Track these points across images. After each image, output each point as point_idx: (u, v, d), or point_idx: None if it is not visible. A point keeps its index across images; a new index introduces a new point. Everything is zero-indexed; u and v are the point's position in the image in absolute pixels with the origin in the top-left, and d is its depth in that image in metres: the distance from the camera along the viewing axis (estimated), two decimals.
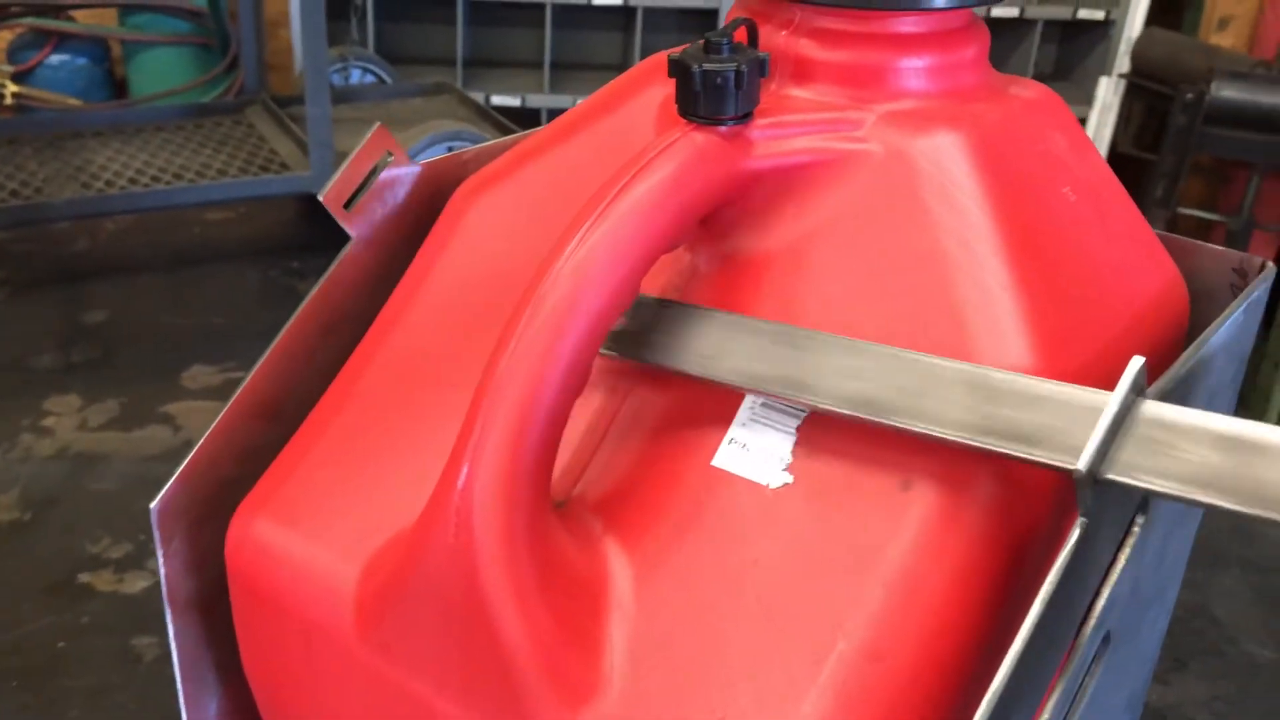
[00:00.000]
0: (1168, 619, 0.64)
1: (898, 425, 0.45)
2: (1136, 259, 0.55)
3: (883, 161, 0.51)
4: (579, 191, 0.57)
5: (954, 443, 0.44)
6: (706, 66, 0.49)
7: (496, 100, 3.00)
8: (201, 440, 0.57)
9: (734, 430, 0.49)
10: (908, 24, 0.53)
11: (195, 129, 1.78)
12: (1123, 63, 3.10)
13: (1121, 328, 0.51)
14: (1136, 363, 0.41)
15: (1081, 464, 0.40)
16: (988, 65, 0.57)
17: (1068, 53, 3.42)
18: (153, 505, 0.56)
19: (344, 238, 0.61)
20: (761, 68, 0.50)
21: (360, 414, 0.57)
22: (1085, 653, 0.46)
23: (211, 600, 0.60)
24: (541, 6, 3.06)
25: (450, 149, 1.70)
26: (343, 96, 1.93)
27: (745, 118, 0.51)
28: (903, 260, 0.50)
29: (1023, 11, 3.11)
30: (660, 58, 0.60)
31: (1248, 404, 2.95)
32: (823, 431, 0.48)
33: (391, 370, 0.58)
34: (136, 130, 1.76)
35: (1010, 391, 0.44)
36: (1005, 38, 3.24)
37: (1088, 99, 3.13)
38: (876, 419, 0.45)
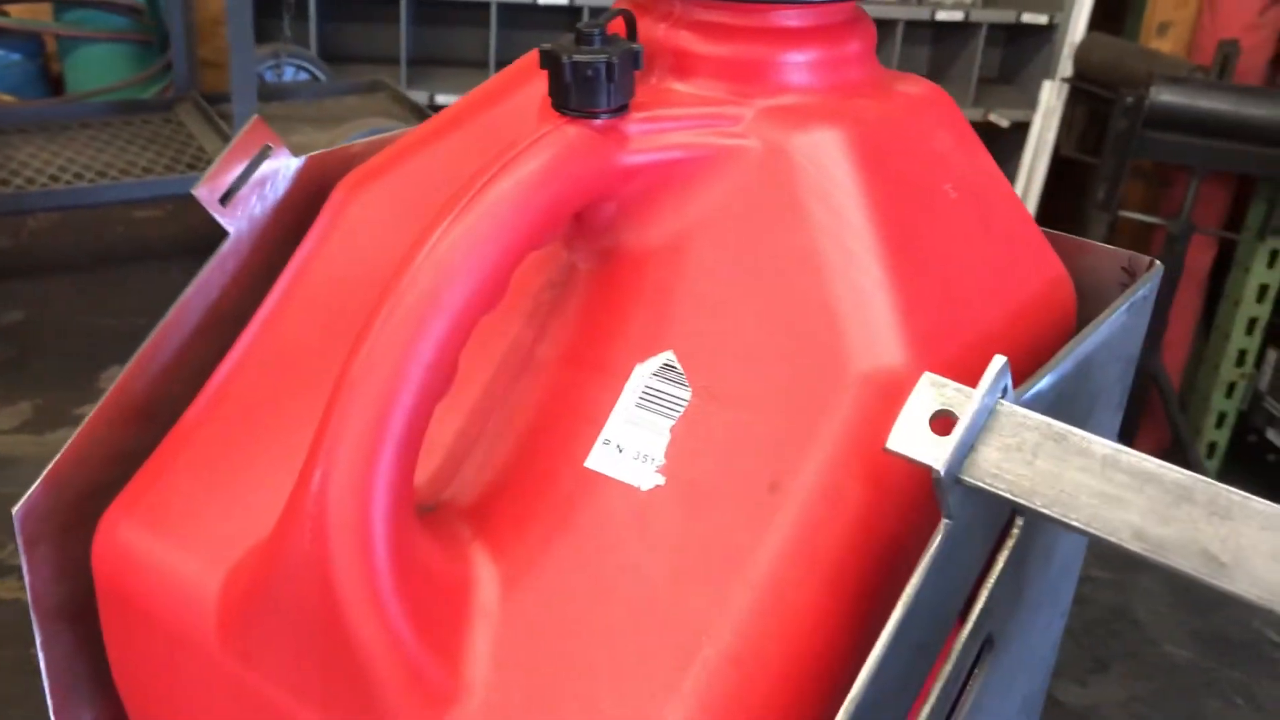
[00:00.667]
0: (1063, 621, 0.64)
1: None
2: (1018, 257, 0.54)
3: (760, 158, 0.50)
4: (460, 183, 0.56)
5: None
6: (577, 58, 0.48)
7: (441, 99, 2.97)
8: (68, 443, 0.56)
9: (609, 429, 0.48)
10: (790, 17, 0.52)
11: (124, 126, 1.74)
12: (1066, 67, 3.12)
13: (998, 325, 0.51)
14: (998, 362, 0.40)
15: (938, 464, 0.39)
16: (874, 61, 0.56)
17: (1012, 56, 3.44)
18: (15, 510, 0.54)
19: None
20: (635, 60, 0.49)
21: (230, 417, 0.55)
22: (963, 657, 0.45)
23: (81, 608, 0.58)
24: (486, 5, 3.05)
25: None
26: (274, 94, 1.91)
27: (620, 110, 0.49)
28: (778, 258, 0.49)
29: (967, 15, 3.12)
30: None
31: (1208, 344, 2.96)
32: (694, 431, 0.47)
33: (263, 371, 0.56)
34: (63, 127, 1.72)
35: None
36: (950, 41, 3.25)
37: (1031, 102, 3.15)
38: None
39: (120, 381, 0.57)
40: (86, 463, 0.57)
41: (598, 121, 0.49)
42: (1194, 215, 2.81)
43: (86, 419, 0.56)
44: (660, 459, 0.47)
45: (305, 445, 0.51)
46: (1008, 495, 0.39)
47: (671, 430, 0.47)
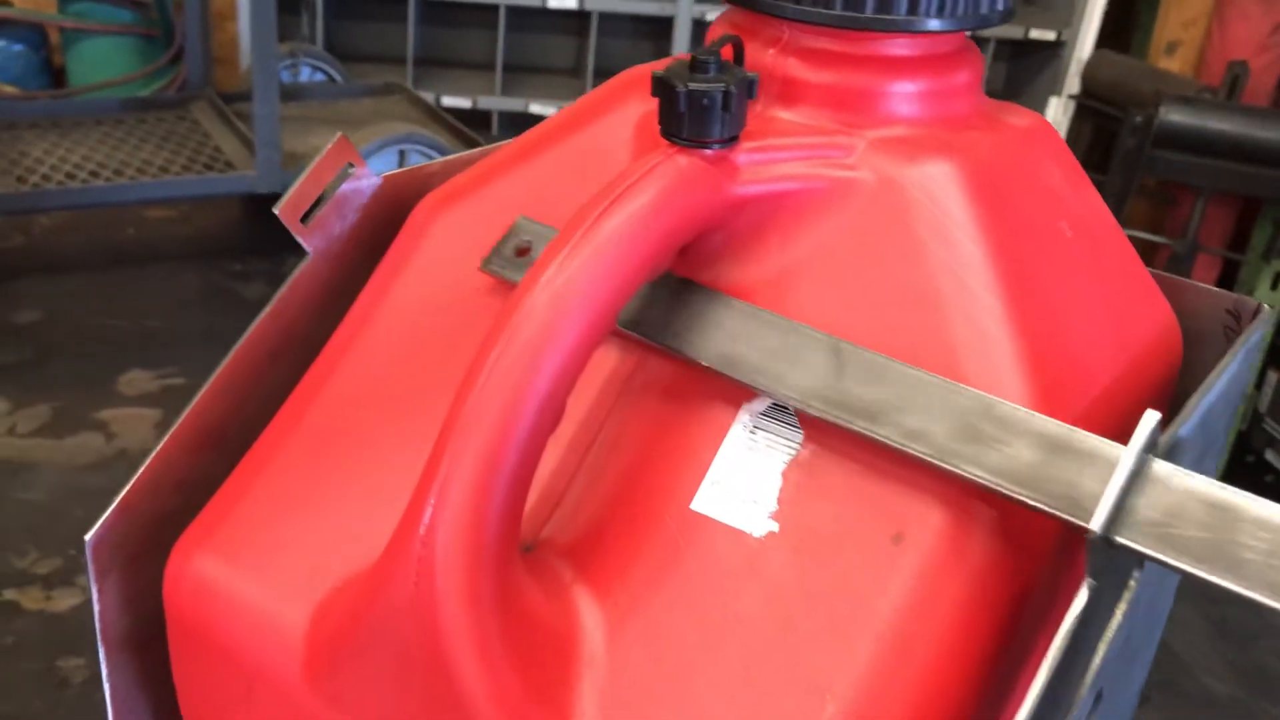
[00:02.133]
0: (1146, 671, 0.63)
1: (884, 439, 0.43)
2: (1132, 298, 0.53)
3: (873, 191, 0.48)
4: (549, 211, 0.55)
5: (947, 472, 0.42)
6: (693, 86, 0.46)
7: (447, 101, 2.95)
8: (140, 470, 0.54)
9: (716, 470, 0.47)
10: (901, 46, 0.51)
11: (137, 123, 1.72)
12: (1072, 83, 3.12)
13: (1119, 372, 0.49)
14: (1151, 419, 0.38)
15: (1096, 525, 0.38)
16: (980, 91, 0.54)
17: (1018, 72, 3.43)
18: (87, 538, 0.52)
19: (289, 240, 0.57)
20: (750, 89, 0.47)
21: (309, 444, 0.54)
22: (1080, 715, 0.44)
23: (148, 638, 0.56)
24: (495, 8, 3.02)
25: (402, 152, 1.66)
26: (291, 94, 1.88)
27: (731, 141, 0.48)
28: (893, 296, 0.47)
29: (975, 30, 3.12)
30: (637, 72, 0.57)
31: None
32: (810, 475, 0.45)
33: (344, 396, 0.54)
34: (75, 123, 1.70)
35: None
36: None
37: None
38: (867, 431, 0.43)
39: (195, 405, 0.55)
40: (159, 489, 0.55)
41: (709, 151, 0.47)
42: (1199, 235, 2.81)
43: (159, 444, 0.54)
44: (773, 504, 0.45)
45: (393, 476, 0.49)
46: (1169, 560, 0.37)
47: (784, 474, 0.46)
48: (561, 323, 0.43)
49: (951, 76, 0.52)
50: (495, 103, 3.06)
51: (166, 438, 0.54)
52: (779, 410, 0.47)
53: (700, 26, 3.18)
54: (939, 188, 0.48)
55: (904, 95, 0.51)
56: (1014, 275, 0.47)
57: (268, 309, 0.57)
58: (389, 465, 0.51)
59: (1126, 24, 3.27)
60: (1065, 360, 0.47)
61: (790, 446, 0.46)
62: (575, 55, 3.31)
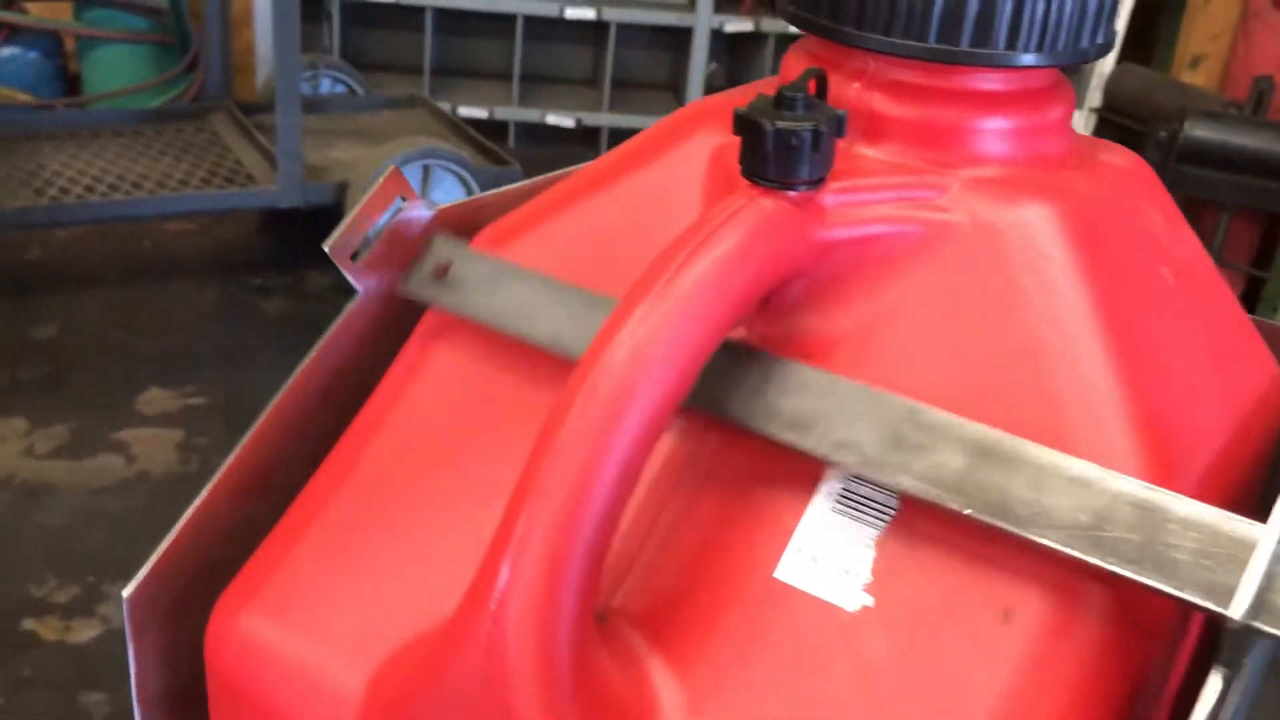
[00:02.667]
0: None
1: (1006, 529, 0.39)
2: (1236, 348, 0.50)
3: (969, 235, 0.45)
4: (611, 252, 0.52)
5: (1070, 559, 0.38)
6: (781, 125, 0.43)
7: (464, 112, 2.92)
8: (181, 521, 0.51)
9: (801, 536, 0.44)
10: (995, 81, 0.48)
11: (156, 135, 1.69)
12: (1094, 97, 3.08)
13: (1231, 432, 0.46)
14: None
15: (1237, 612, 0.34)
16: (1071, 128, 0.51)
17: None
18: (126, 594, 0.49)
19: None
20: (839, 127, 0.44)
21: (361, 494, 0.51)
22: None
23: (186, 695, 0.53)
24: (512, 18, 3.00)
25: (426, 168, 1.63)
26: (311, 106, 1.86)
27: (819, 182, 0.45)
28: (992, 351, 0.44)
29: None
30: (705, 104, 0.54)
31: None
32: (907, 545, 0.42)
33: (397, 446, 0.52)
34: (93, 134, 1.67)
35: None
36: None
37: None
38: (985, 518, 0.40)
39: (240, 451, 0.52)
40: (201, 540, 0.52)
41: (793, 193, 0.44)
42: (1223, 251, 2.78)
43: (202, 494, 0.51)
44: (866, 575, 0.42)
45: (455, 529, 0.47)
46: None
47: (878, 543, 0.43)
48: (642, 381, 0.40)
49: (1045, 113, 0.49)
50: (512, 113, 3.04)
51: (211, 484, 0.51)
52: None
53: (719, 37, 3.15)
54: (1039, 232, 0.45)
55: (997, 133, 0.48)
56: (1120, 327, 0.44)
57: (316, 349, 0.54)
58: (446, 522, 0.48)
59: (1148, 37, 3.23)
60: (1176, 420, 0.44)
61: (884, 514, 0.43)
62: (593, 66, 3.29)
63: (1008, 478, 0.41)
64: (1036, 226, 0.45)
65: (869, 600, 0.42)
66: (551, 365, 0.49)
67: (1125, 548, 0.38)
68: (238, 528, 0.53)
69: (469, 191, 1.66)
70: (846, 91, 0.48)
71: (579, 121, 3.08)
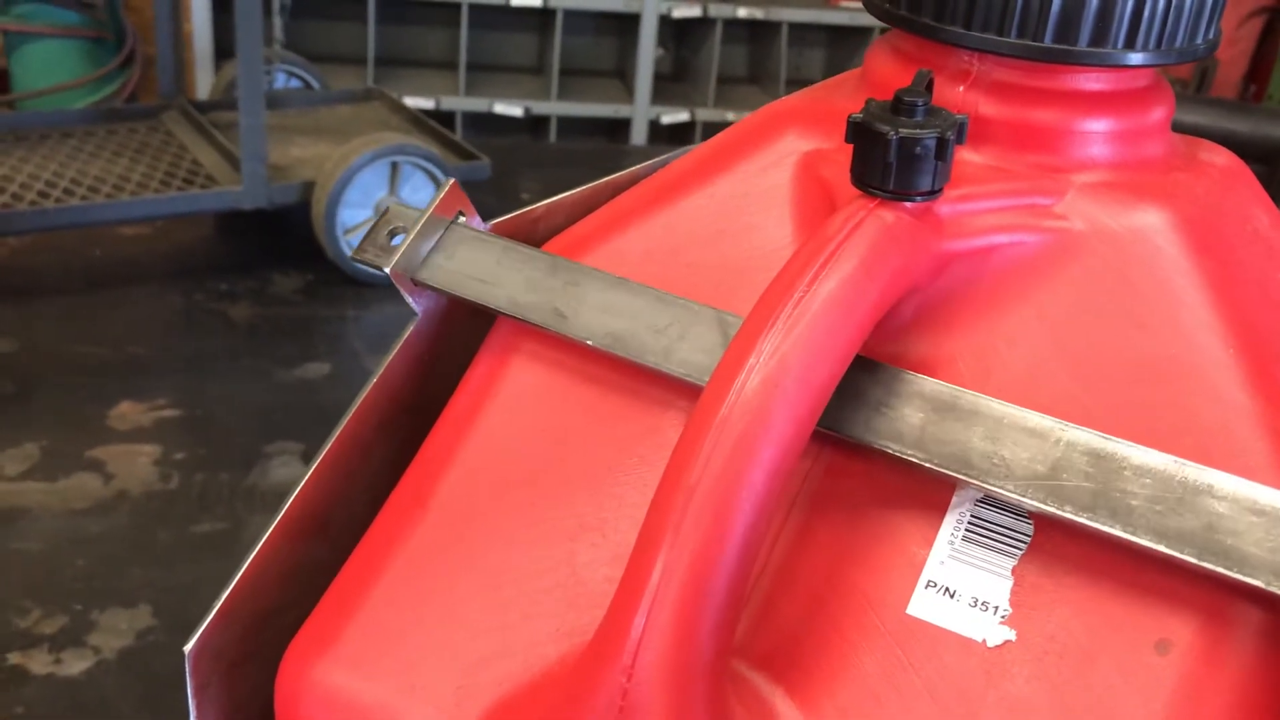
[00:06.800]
0: None
1: (1138, 541, 0.37)
2: None
3: (1089, 243, 0.43)
4: (697, 263, 0.49)
5: (1222, 577, 0.37)
6: (904, 133, 0.40)
7: (409, 102, 2.86)
8: (242, 568, 0.47)
9: (931, 569, 0.41)
10: (1102, 81, 0.45)
11: (108, 136, 1.63)
12: None
13: None
14: None
15: None
16: (1170, 129, 0.49)
17: None
18: (187, 649, 0.46)
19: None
20: (961, 133, 0.42)
21: (438, 529, 0.47)
22: None
23: None
24: (457, 6, 2.95)
25: (395, 164, 1.58)
26: (266, 103, 1.80)
27: (937, 193, 0.42)
28: (1119, 364, 0.42)
29: None
30: (786, 106, 0.52)
31: None
32: (1046, 574, 0.40)
33: (472, 474, 0.48)
34: (41, 136, 1.60)
35: None
36: None
37: None
38: (1116, 532, 0.38)
39: (301, 490, 0.48)
40: (261, 586, 0.48)
41: (910, 204, 0.42)
42: None
43: (262, 538, 0.48)
44: (1005, 607, 0.40)
45: (546, 567, 0.44)
46: None
47: (1014, 572, 0.40)
48: (778, 409, 0.37)
49: (1149, 113, 0.47)
50: (459, 103, 2.99)
51: (271, 529, 0.48)
52: (997, 500, 0.41)
53: (666, 23, 3.12)
54: (1159, 237, 0.43)
55: (1104, 135, 0.46)
56: (1248, 335, 0.42)
57: (375, 378, 0.50)
58: (533, 557, 0.45)
59: None
60: None
61: (1018, 542, 0.41)
62: (539, 53, 3.24)
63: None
64: (1157, 231, 0.43)
65: (1011, 634, 0.40)
66: (636, 378, 0.47)
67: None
68: (296, 571, 0.50)
69: (440, 188, 1.61)
70: (949, 93, 0.46)
71: (527, 110, 3.04)
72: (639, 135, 3.10)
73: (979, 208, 0.44)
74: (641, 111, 3.09)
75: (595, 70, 3.29)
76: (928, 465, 0.41)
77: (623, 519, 0.45)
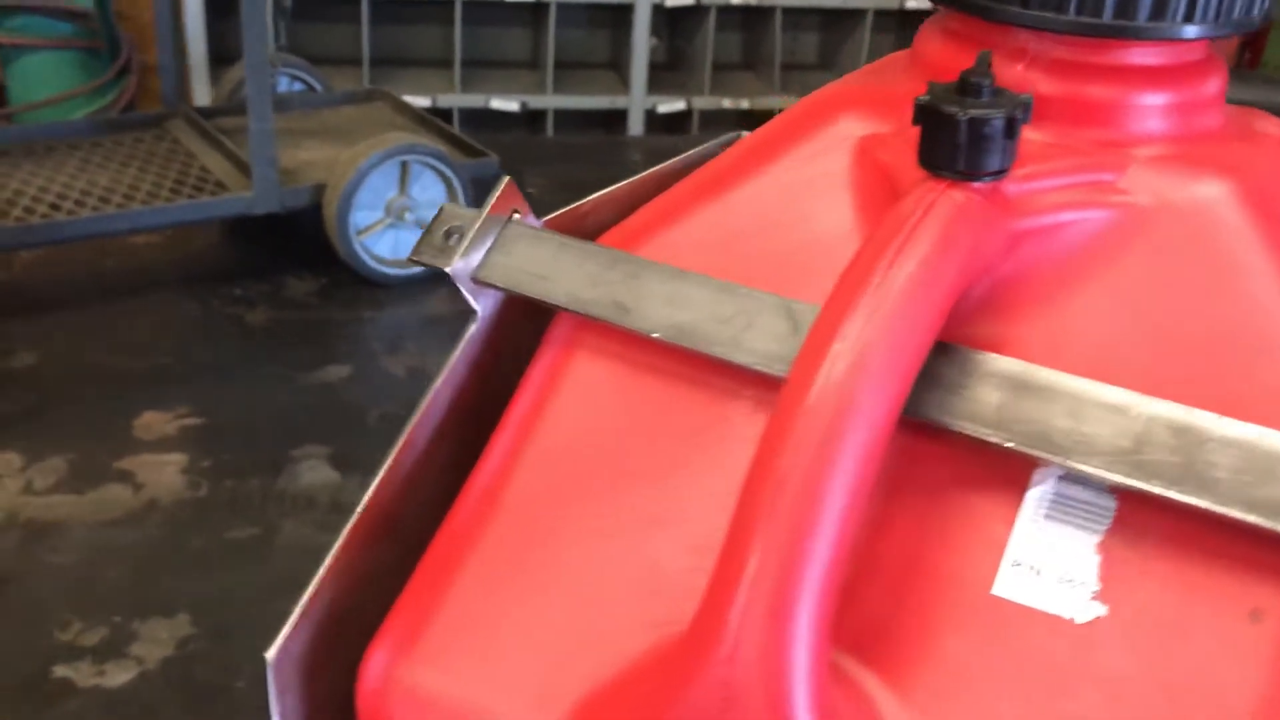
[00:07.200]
0: None
1: (1228, 513, 0.38)
2: None
3: (1156, 217, 0.43)
4: (757, 254, 0.49)
5: None
6: (974, 113, 0.40)
7: (407, 100, 2.86)
8: (320, 574, 0.47)
9: (1015, 548, 0.41)
10: (1159, 54, 0.46)
11: (115, 146, 1.62)
12: None
13: None
14: None
15: None
16: (1224, 100, 0.49)
17: None
18: (269, 655, 0.46)
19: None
20: (1027, 112, 0.42)
21: (514, 525, 0.48)
22: None
23: None
24: (450, 3, 2.94)
25: (404, 164, 1.58)
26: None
27: (1004, 172, 0.42)
28: (1194, 340, 0.42)
29: None
30: (837, 91, 0.52)
31: None
32: (1132, 549, 0.40)
33: (545, 468, 0.48)
34: (48, 148, 1.60)
35: None
36: None
37: None
38: (1206, 505, 0.38)
39: (374, 493, 0.49)
40: (337, 590, 0.48)
41: (977, 184, 0.42)
42: None
43: (339, 540, 0.48)
44: (1094, 583, 0.40)
45: (627, 560, 0.44)
46: None
47: (1099, 548, 0.41)
48: (867, 394, 0.38)
49: (1204, 85, 0.47)
50: (455, 100, 2.98)
51: (345, 533, 0.48)
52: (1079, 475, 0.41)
53: (659, 12, 3.12)
54: (1223, 207, 0.43)
55: (1161, 108, 0.46)
56: None
57: (438, 382, 0.50)
58: (613, 550, 0.45)
59: None
60: None
61: (1102, 516, 0.41)
62: (532, 47, 3.23)
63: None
64: (1221, 203, 0.43)
65: (1101, 610, 0.40)
66: (700, 369, 0.47)
67: None
68: (369, 573, 0.50)
69: (449, 186, 1.61)
70: (1007, 72, 0.46)
71: (524, 105, 3.04)
72: (635, 126, 3.10)
73: (1044, 185, 0.44)
74: (638, 102, 3.09)
75: (590, 62, 3.28)
76: (1009, 445, 0.41)
77: (699, 507, 0.45)
